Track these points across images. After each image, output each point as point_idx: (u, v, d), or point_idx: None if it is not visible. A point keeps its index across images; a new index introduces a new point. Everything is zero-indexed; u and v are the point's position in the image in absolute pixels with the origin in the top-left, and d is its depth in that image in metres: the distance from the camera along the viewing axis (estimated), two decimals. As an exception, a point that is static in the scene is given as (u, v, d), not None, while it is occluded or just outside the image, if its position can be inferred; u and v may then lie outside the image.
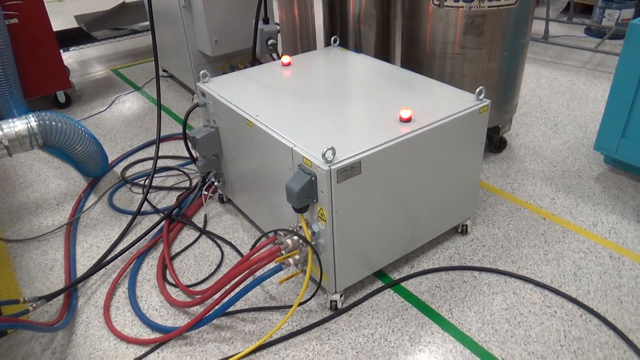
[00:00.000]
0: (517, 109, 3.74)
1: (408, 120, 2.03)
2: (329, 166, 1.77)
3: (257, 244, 2.09)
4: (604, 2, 4.97)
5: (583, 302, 2.13)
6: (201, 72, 2.52)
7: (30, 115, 2.61)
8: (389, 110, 2.14)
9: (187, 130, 2.57)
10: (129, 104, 4.23)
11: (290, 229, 1.99)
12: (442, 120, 2.04)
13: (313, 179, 1.84)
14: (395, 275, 2.31)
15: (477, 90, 2.17)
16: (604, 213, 2.64)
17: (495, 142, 3.17)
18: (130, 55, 5.38)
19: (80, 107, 4.23)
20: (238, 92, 2.41)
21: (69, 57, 5.39)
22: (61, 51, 4.15)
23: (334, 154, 1.80)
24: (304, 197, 1.87)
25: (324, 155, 1.77)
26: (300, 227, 1.98)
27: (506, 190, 2.86)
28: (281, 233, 2.00)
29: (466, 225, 2.51)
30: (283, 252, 1.96)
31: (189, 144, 2.59)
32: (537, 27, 5.25)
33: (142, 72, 4.89)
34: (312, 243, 1.97)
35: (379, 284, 2.27)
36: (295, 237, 1.96)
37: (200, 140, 2.48)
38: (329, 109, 2.20)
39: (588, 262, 2.34)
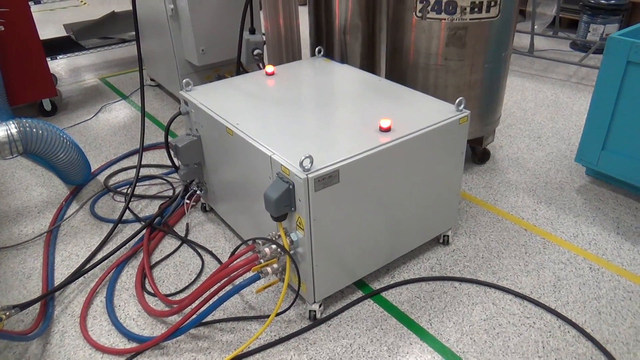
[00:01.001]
0: (501, 121, 3.77)
1: (387, 130, 2.04)
2: (307, 174, 1.77)
3: (235, 253, 2.08)
4: (588, 17, 5.05)
5: (562, 313, 2.13)
6: (184, 80, 2.52)
7: (11, 122, 2.59)
8: (369, 120, 2.15)
9: (169, 139, 2.57)
10: (116, 112, 4.22)
11: (269, 237, 1.98)
12: (422, 130, 2.05)
13: (291, 187, 1.83)
14: (376, 285, 2.30)
15: (457, 101, 2.18)
16: (585, 225, 2.65)
17: (479, 154, 3.19)
18: (119, 64, 5.38)
19: (66, 115, 4.21)
20: (220, 100, 2.41)
21: (58, 65, 5.38)
22: (49, 59, 4.15)
23: (311, 162, 1.80)
24: (282, 205, 1.86)
25: (301, 163, 1.77)
26: (279, 236, 1.98)
27: (488, 201, 2.87)
28: (259, 241, 1.99)
29: (447, 236, 2.51)
30: (261, 260, 1.95)
31: (171, 153, 2.58)
32: (523, 41, 5.32)
33: (131, 81, 4.88)
34: (291, 252, 1.96)
35: (359, 294, 2.26)
36: (274, 246, 1.95)
37: (182, 148, 2.47)
38: (310, 118, 2.21)
39: (568, 273, 2.34)
